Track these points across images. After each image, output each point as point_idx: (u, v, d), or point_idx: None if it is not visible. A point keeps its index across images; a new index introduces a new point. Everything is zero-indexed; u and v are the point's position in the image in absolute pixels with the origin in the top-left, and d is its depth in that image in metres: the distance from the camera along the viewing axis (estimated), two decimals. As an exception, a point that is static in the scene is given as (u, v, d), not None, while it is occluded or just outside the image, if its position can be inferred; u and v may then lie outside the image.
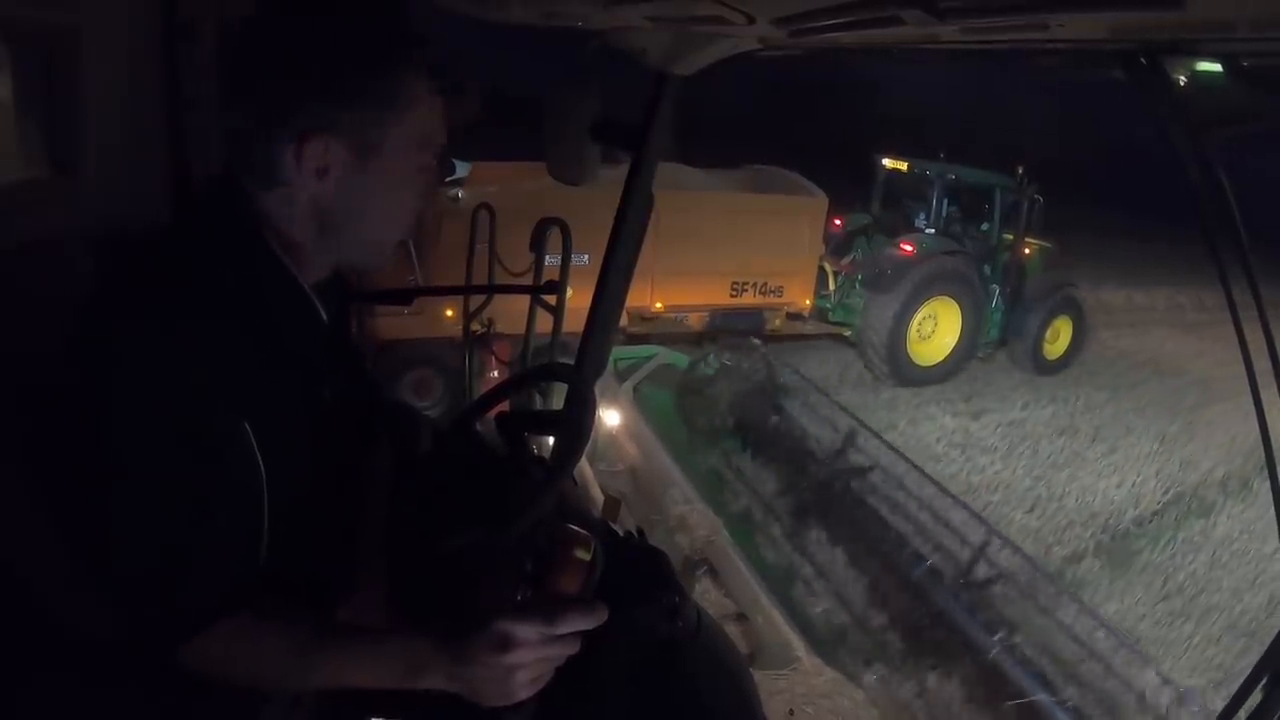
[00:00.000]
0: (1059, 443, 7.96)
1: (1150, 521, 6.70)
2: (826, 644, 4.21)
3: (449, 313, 5.93)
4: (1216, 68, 0.92)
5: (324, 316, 1.10)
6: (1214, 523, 6.81)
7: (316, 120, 0.99)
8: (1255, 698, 1.13)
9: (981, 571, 4.81)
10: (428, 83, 1.04)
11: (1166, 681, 3.91)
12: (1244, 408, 8.80)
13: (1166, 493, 7.23)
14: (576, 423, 1.24)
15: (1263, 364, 1.05)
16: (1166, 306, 14.70)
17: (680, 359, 6.85)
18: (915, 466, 5.71)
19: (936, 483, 5.56)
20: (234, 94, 1.03)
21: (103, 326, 0.94)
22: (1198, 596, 5.69)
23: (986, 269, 9.21)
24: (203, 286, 0.96)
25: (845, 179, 9.26)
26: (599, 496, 3.89)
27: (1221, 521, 6.83)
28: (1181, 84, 0.93)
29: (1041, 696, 3.78)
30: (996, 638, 4.14)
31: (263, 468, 0.98)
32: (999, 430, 8.06)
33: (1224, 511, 7.03)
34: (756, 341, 7.01)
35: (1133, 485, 7.26)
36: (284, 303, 1.05)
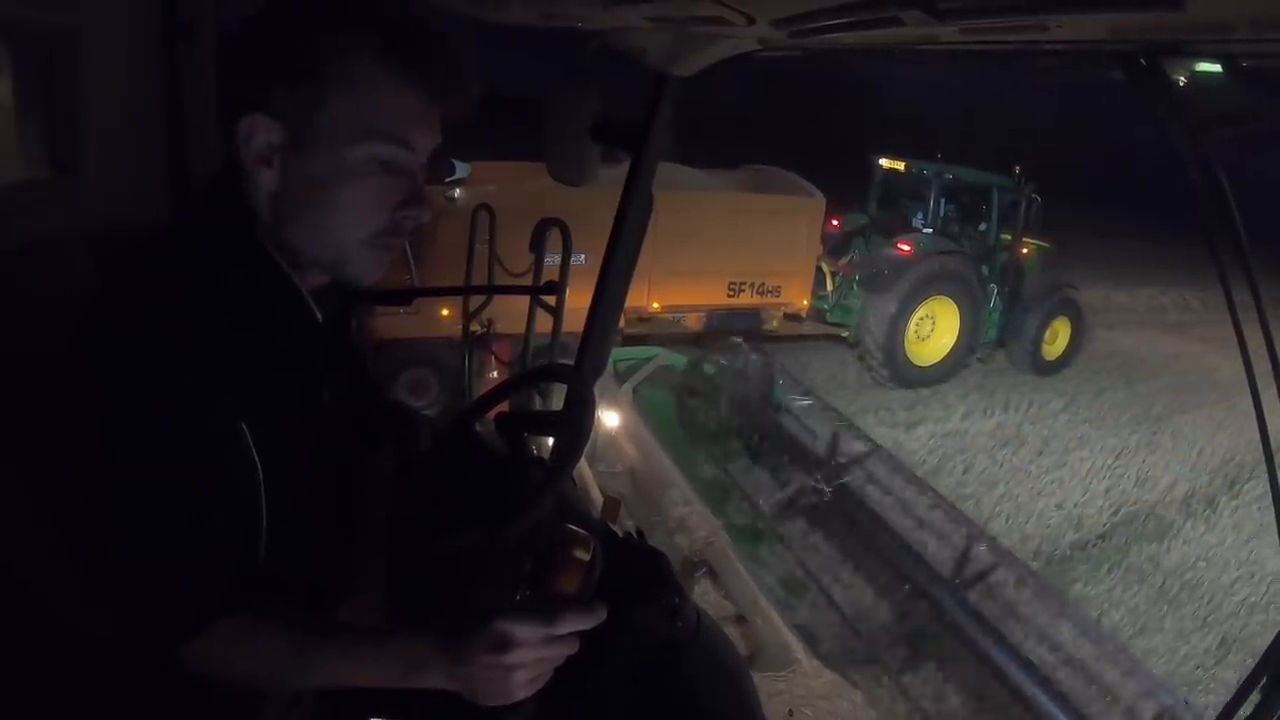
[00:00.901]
0: (999, 456, 7.24)
1: (1091, 547, 5.94)
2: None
3: (445, 313, 5.94)
4: (1216, 68, 0.92)
5: (319, 317, 1.09)
6: (1167, 548, 6.11)
7: (252, 99, 0.96)
8: (1254, 699, 1.14)
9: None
10: (386, 66, 0.97)
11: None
12: (1217, 417, 8.54)
13: (1116, 513, 6.52)
14: (576, 423, 1.24)
15: (1262, 366, 1.05)
16: (1148, 307, 14.48)
17: (680, 360, 6.84)
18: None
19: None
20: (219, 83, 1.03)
21: (102, 327, 0.93)
22: (1135, 638, 4.84)
23: (984, 269, 9.21)
24: (201, 287, 0.95)
25: (842, 179, 9.21)
26: (598, 497, 3.90)
27: (1176, 547, 6.15)
28: (1181, 84, 0.93)
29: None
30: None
31: (260, 468, 0.97)
32: (932, 442, 7.40)
33: (1180, 535, 6.35)
34: (738, 340, 6.96)
35: (1075, 505, 6.53)
36: (279, 303, 1.05)
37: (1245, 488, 7.26)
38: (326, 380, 1.12)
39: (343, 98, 0.96)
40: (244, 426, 0.96)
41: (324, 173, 0.98)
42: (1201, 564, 5.94)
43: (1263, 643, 3.75)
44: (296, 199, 1.00)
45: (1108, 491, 6.90)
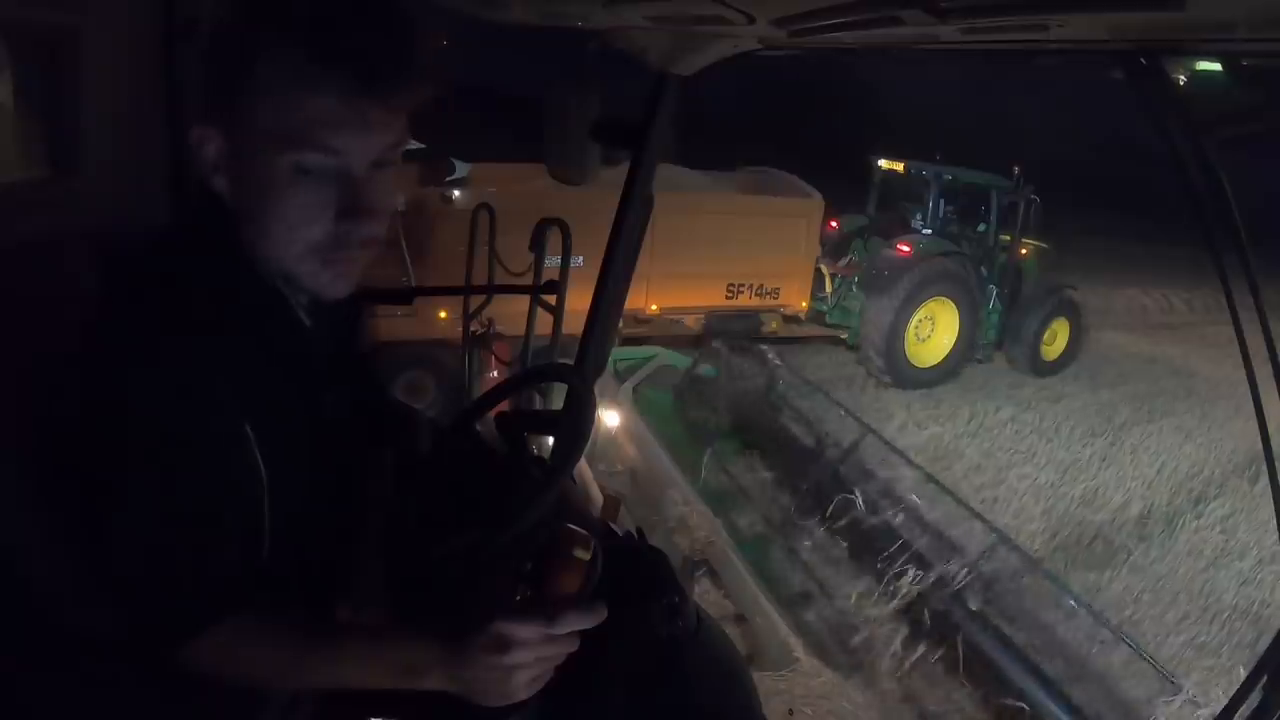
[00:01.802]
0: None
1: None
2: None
3: (443, 314, 5.92)
4: (1216, 68, 0.92)
5: (306, 322, 1.08)
6: (1109, 579, 5.39)
7: (207, 111, 0.95)
8: (1254, 698, 1.13)
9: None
10: (306, 66, 0.89)
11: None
12: (1186, 427, 8.28)
13: (1052, 538, 5.86)
14: (576, 423, 1.24)
15: (1263, 369, 1.05)
16: (1126, 308, 14.02)
17: (680, 360, 6.84)
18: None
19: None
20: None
21: (104, 333, 0.94)
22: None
23: (983, 270, 9.22)
24: (198, 294, 0.95)
25: (841, 180, 9.21)
26: (598, 497, 3.89)
27: (1120, 578, 5.43)
28: (1181, 84, 0.93)
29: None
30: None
31: (264, 470, 0.98)
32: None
33: (1127, 564, 5.65)
34: (717, 345, 6.93)
35: (1003, 530, 5.03)
36: (265, 310, 1.04)
37: (1210, 507, 6.81)
38: (329, 384, 1.12)
39: (267, 103, 0.91)
40: (248, 429, 0.96)
41: (259, 183, 0.95)
42: (1146, 597, 5.25)
43: (1210, 695, 3.58)
44: (246, 210, 0.97)
45: (1046, 513, 6.19)
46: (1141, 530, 6.31)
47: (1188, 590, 5.50)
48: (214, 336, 0.94)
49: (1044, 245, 9.86)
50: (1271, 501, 1.07)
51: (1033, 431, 8.02)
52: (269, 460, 0.97)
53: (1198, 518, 6.67)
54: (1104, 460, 7.54)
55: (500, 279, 3.95)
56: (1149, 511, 6.64)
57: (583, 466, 4.25)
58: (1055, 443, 7.82)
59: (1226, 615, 5.22)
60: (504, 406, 1.36)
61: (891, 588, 4.43)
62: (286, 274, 1.01)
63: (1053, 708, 3.72)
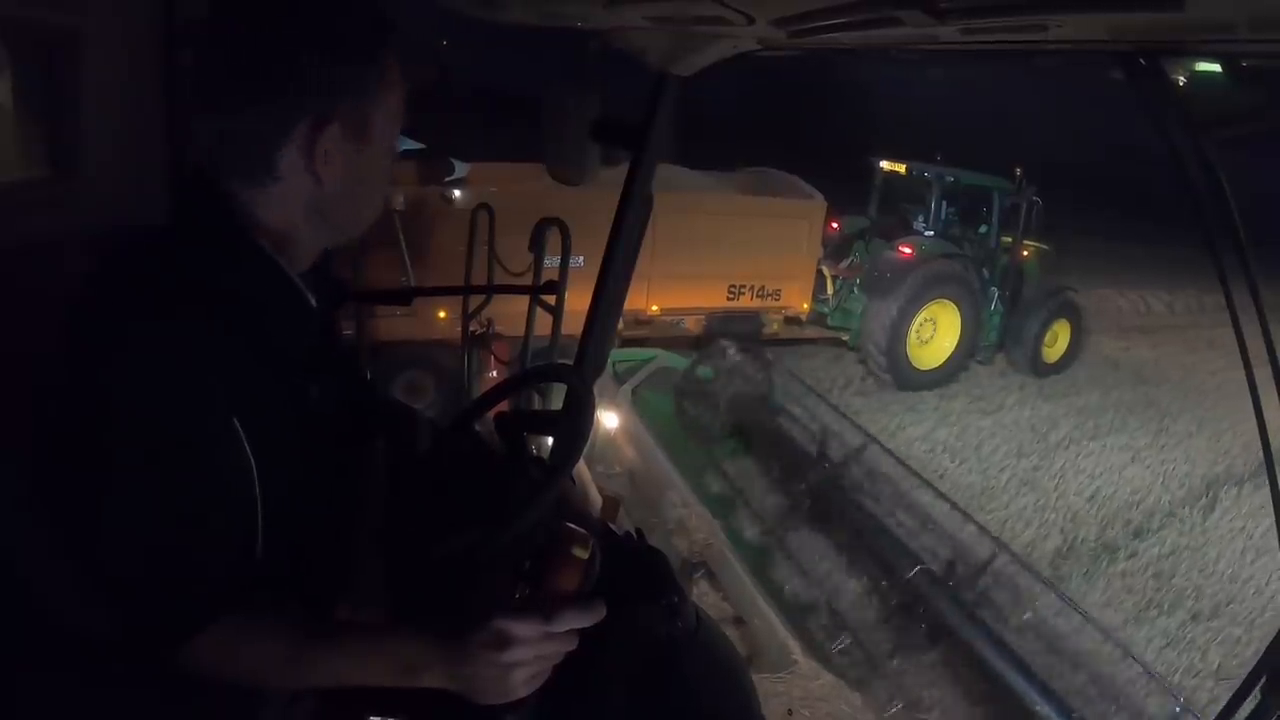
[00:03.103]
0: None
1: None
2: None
3: (442, 314, 5.90)
4: (1216, 68, 0.92)
5: (314, 305, 1.10)
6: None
7: (319, 114, 1.00)
8: (1253, 699, 1.13)
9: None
10: (399, 66, 1.07)
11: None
12: (1137, 445, 7.65)
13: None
14: (575, 423, 1.24)
15: (1262, 368, 1.05)
16: (1098, 309, 12.08)
17: (680, 362, 6.84)
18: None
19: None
20: (224, 96, 1.01)
21: (93, 329, 0.94)
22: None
23: (985, 272, 9.22)
24: (190, 287, 0.96)
25: (842, 182, 9.15)
26: (597, 498, 3.89)
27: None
28: (1181, 84, 0.93)
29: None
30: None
31: (254, 465, 0.98)
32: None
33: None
34: (721, 345, 6.87)
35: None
36: (274, 298, 1.05)
37: (1143, 545, 5.87)
38: (315, 378, 1.12)
39: (382, 97, 1.05)
40: (237, 423, 0.96)
41: (372, 165, 1.08)
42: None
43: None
44: (346, 194, 1.07)
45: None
46: (1055, 569, 5.26)
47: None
48: (198, 331, 0.94)
49: (1045, 247, 9.86)
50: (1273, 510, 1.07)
51: (946, 451, 7.14)
52: (259, 454, 0.97)
53: (1129, 557, 5.69)
54: (1025, 487, 6.56)
55: (500, 279, 3.95)
56: (1065, 550, 5.66)
57: (582, 467, 4.25)
58: (968, 464, 6.89)
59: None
60: (503, 406, 1.36)
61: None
62: (351, 236, 1.15)
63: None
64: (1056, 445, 7.67)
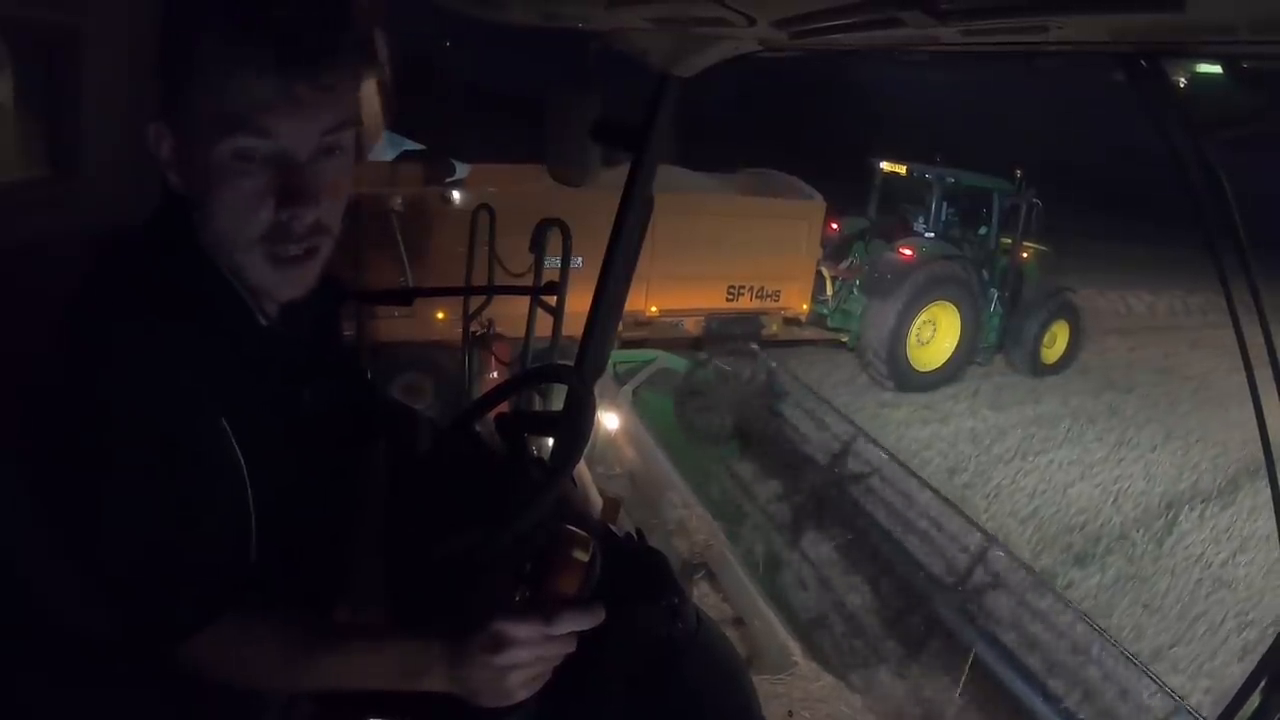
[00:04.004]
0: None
1: None
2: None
3: (441, 315, 5.90)
4: (1216, 70, 0.92)
5: (261, 320, 1.06)
6: None
7: (159, 106, 0.95)
8: (1253, 700, 1.13)
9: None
10: (233, 50, 0.89)
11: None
12: (1091, 458, 7.48)
13: None
14: (575, 424, 1.24)
15: (1261, 368, 1.05)
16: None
17: (680, 363, 6.84)
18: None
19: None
20: None
21: (82, 329, 0.94)
22: None
23: (985, 273, 9.22)
24: (168, 290, 0.95)
25: (841, 182, 9.13)
26: (597, 499, 3.89)
27: None
28: (1181, 85, 0.93)
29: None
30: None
31: (244, 465, 0.97)
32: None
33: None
34: (702, 356, 6.82)
35: None
36: (221, 306, 1.02)
37: (1079, 576, 5.14)
38: (306, 379, 1.12)
39: (203, 92, 0.91)
40: (224, 423, 0.96)
41: (204, 173, 0.94)
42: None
43: None
44: (196, 203, 0.97)
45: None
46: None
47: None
48: (179, 332, 0.94)
49: (1044, 248, 9.86)
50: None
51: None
52: (248, 455, 0.97)
53: (1063, 588, 4.83)
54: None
55: (500, 280, 3.95)
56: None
57: (582, 468, 4.25)
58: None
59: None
60: (504, 407, 1.36)
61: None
62: (236, 269, 1.00)
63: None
64: (998, 459, 7.09)
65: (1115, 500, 6.58)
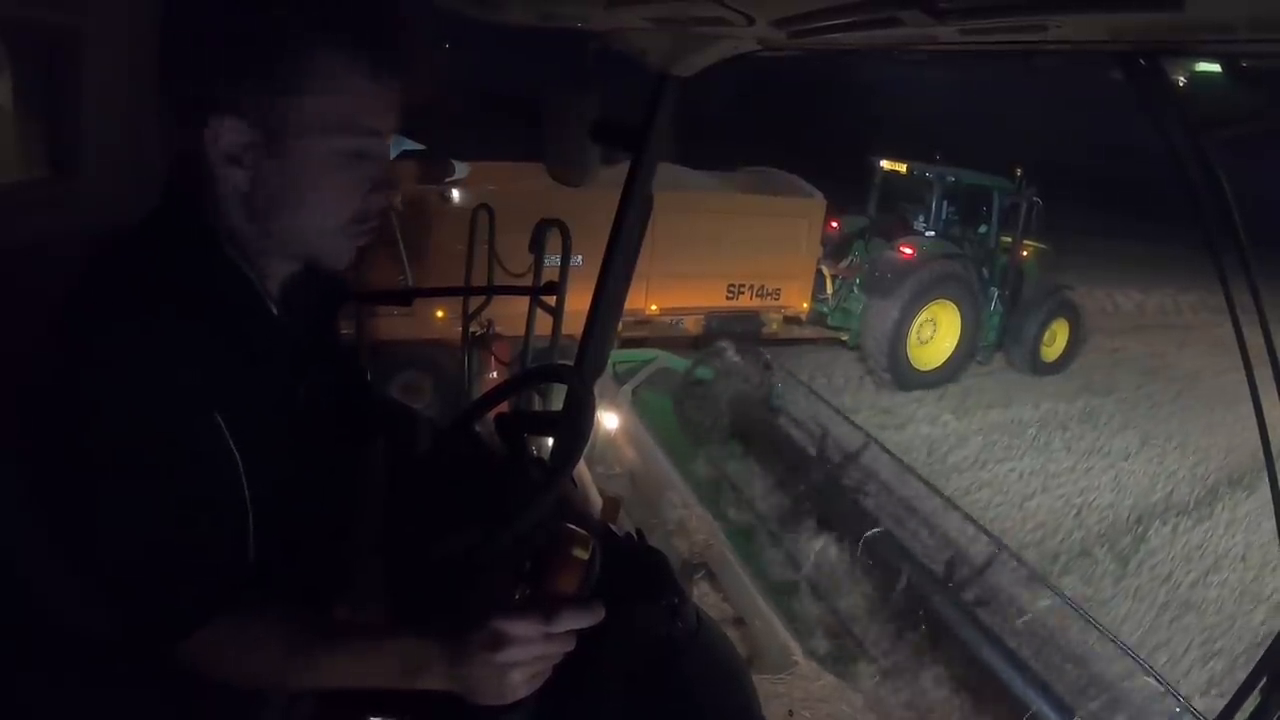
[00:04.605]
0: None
1: None
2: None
3: (440, 314, 5.90)
4: (1215, 69, 0.92)
5: (274, 311, 1.08)
6: None
7: (223, 104, 0.95)
8: (1253, 700, 1.13)
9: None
10: (348, 57, 0.96)
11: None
12: (1056, 467, 6.73)
13: None
14: (575, 424, 1.24)
15: (1261, 368, 1.05)
16: None
17: (680, 362, 6.83)
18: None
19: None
20: (162, 87, 1.02)
21: (77, 328, 0.94)
22: None
23: (985, 272, 9.23)
24: (162, 286, 0.95)
25: (841, 181, 9.10)
26: (597, 499, 3.89)
27: None
28: (1181, 84, 0.93)
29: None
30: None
31: (240, 460, 0.97)
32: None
33: None
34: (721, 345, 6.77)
35: None
36: (235, 299, 1.04)
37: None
38: (303, 375, 1.12)
39: (313, 94, 0.96)
40: (219, 418, 0.96)
41: (299, 169, 0.99)
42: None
43: None
44: (271, 196, 1.00)
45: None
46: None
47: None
48: (176, 326, 0.93)
49: (1044, 247, 9.86)
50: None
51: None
52: (244, 450, 0.97)
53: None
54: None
55: (500, 279, 3.96)
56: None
57: (582, 468, 4.25)
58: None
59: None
60: (503, 407, 1.36)
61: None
62: (305, 254, 1.06)
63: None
64: (952, 469, 6.57)
65: (1079, 513, 6.18)
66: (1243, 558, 5.84)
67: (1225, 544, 6.02)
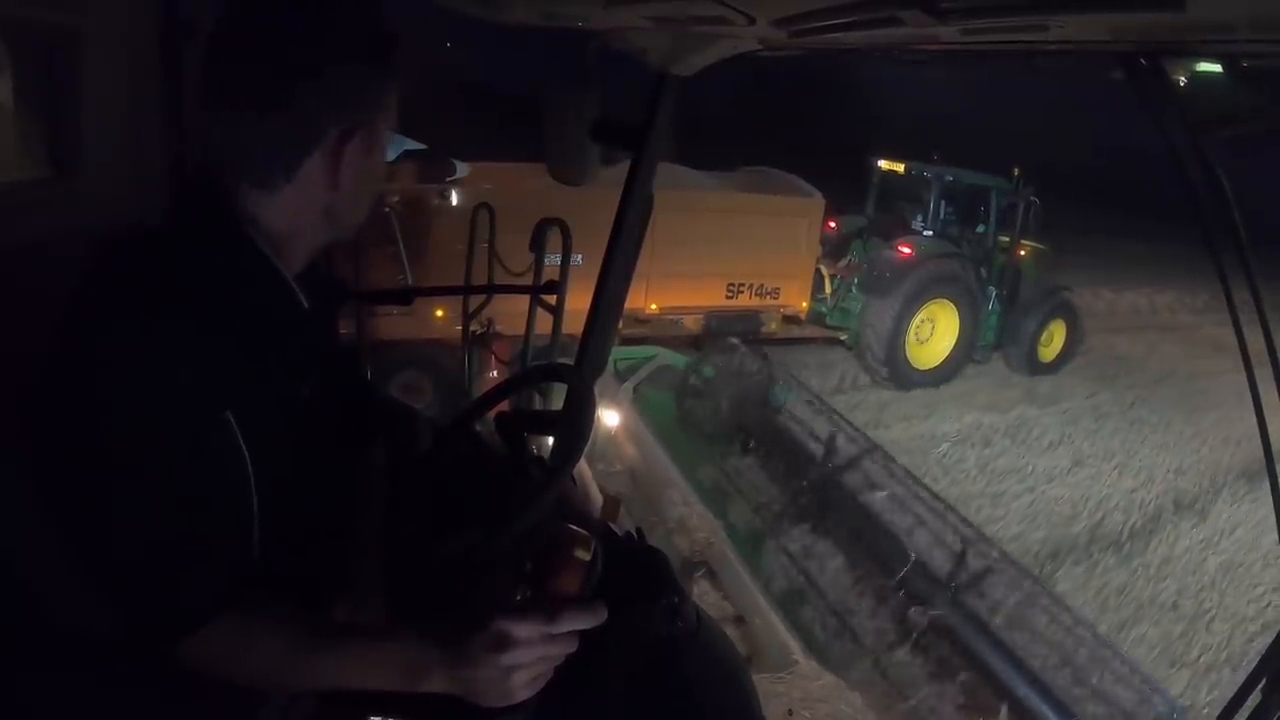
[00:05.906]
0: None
1: None
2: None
3: (440, 314, 5.90)
4: (1216, 69, 0.92)
5: (305, 305, 1.10)
6: None
7: (346, 126, 1.04)
8: (1253, 700, 1.13)
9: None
10: (389, 63, 1.09)
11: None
12: (1002, 490, 6.06)
13: None
14: (576, 423, 1.24)
15: (1261, 367, 1.05)
16: None
17: (680, 360, 6.83)
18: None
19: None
20: (245, 102, 1.01)
21: (84, 328, 0.94)
22: None
23: (983, 272, 9.22)
24: (179, 285, 0.96)
25: (840, 181, 9.08)
26: (598, 498, 3.89)
27: None
28: (1181, 85, 0.93)
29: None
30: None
31: (249, 459, 0.98)
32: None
33: None
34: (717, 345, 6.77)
35: None
36: (267, 297, 1.05)
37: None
38: (307, 374, 1.12)
39: (389, 96, 1.10)
40: (230, 416, 0.96)
41: (377, 171, 1.13)
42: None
43: None
44: (355, 197, 1.12)
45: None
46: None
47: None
48: (186, 328, 0.94)
49: (1042, 246, 9.86)
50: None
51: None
52: (252, 449, 0.97)
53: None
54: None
55: (500, 279, 3.95)
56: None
57: (582, 467, 4.25)
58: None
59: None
60: (504, 406, 1.36)
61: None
62: (340, 238, 1.17)
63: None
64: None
65: (1042, 535, 5.64)
66: (1174, 605, 4.96)
67: (1152, 590, 5.14)
